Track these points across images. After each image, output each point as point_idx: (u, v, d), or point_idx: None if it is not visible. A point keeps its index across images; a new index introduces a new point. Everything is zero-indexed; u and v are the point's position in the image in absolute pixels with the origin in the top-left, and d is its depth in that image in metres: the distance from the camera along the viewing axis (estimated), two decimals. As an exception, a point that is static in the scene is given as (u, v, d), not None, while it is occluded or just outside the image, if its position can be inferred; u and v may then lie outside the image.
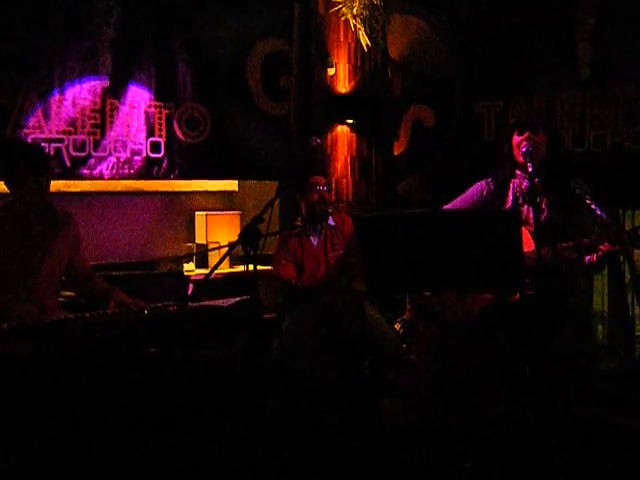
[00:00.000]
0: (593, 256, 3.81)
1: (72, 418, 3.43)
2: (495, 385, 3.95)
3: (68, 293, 4.40)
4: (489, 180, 4.27)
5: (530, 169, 3.86)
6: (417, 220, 3.41)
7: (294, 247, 5.09)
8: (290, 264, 5.07)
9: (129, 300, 4.03)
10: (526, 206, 4.02)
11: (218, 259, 3.88)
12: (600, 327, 5.68)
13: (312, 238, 5.11)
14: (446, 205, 4.39)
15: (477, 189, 4.30)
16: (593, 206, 3.71)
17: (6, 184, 4.00)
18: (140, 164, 6.05)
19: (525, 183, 4.11)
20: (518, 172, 4.15)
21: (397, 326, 5.68)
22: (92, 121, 5.80)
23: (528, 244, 3.70)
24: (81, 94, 5.74)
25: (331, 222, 5.14)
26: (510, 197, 4.15)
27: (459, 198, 4.35)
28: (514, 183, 4.16)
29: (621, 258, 4.95)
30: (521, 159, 4.04)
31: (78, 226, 4.30)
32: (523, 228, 3.78)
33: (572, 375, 4.01)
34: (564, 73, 5.69)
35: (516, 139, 4.10)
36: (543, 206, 4.04)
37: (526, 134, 4.04)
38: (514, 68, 5.94)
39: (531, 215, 3.86)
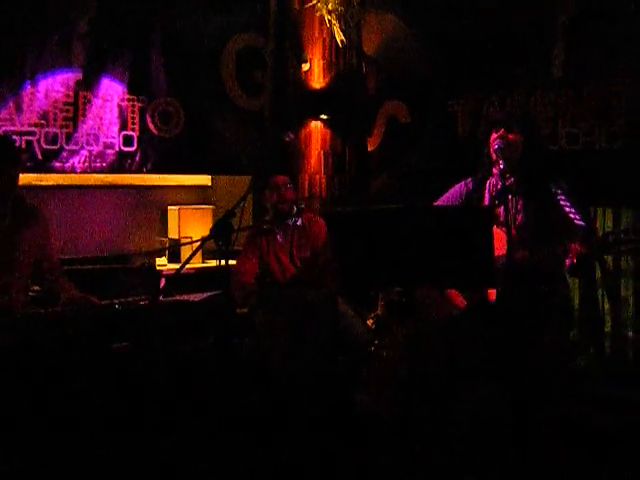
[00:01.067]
0: (573, 259, 3.78)
1: (43, 412, 3.41)
2: (468, 380, 3.96)
3: (36, 288, 4.36)
4: (468, 180, 4.23)
5: (501, 166, 3.85)
6: (389, 216, 3.40)
7: (261, 245, 5.06)
8: (253, 265, 5.03)
9: (79, 298, 4.00)
10: (502, 207, 3.96)
11: (190, 253, 3.86)
12: (570, 324, 5.72)
13: (279, 236, 5.09)
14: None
15: (456, 190, 4.26)
16: (567, 209, 3.70)
17: None
18: (112, 158, 6.03)
19: (499, 183, 4.07)
20: (495, 171, 4.10)
21: (369, 322, 5.69)
22: (64, 114, 5.77)
23: (503, 246, 3.68)
24: (54, 86, 5.71)
25: (299, 222, 5.11)
26: (487, 196, 4.13)
27: (441, 199, 4.31)
28: (490, 182, 4.14)
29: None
30: (494, 156, 4.01)
31: (47, 220, 4.26)
32: (498, 229, 3.77)
33: (550, 373, 4.01)
34: (539, 72, 5.72)
35: (492, 136, 4.06)
36: (519, 207, 4.01)
37: (501, 131, 4.02)
38: (489, 66, 5.97)
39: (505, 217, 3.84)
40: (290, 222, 5.08)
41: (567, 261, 3.78)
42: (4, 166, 3.93)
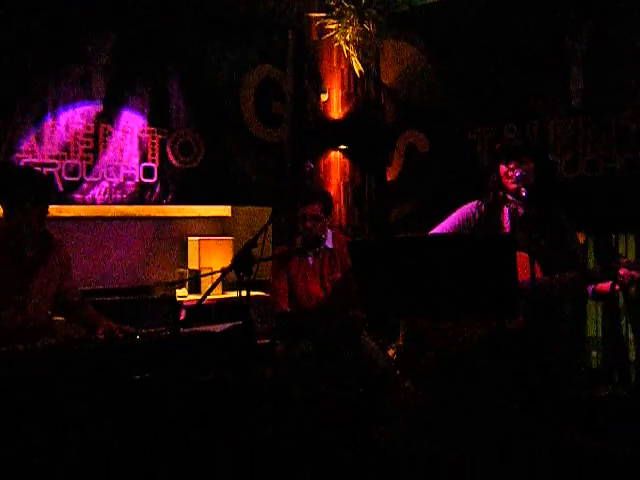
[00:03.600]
0: (601, 285, 3.83)
1: (62, 445, 3.39)
2: (492, 413, 3.91)
3: (60, 318, 4.36)
4: (479, 203, 4.25)
5: (524, 194, 3.87)
6: (411, 245, 3.39)
7: (292, 266, 5.03)
8: (286, 292, 5.02)
9: (116, 327, 3.98)
10: (522, 233, 3.98)
11: (211, 284, 3.85)
12: (594, 353, 5.67)
13: (310, 259, 5.06)
14: (434, 228, 4.36)
15: (466, 211, 4.27)
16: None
17: (4, 209, 3.94)
18: (133, 189, 6.04)
19: (520, 209, 4.10)
20: (511, 198, 4.13)
21: (390, 352, 5.65)
22: (85, 146, 5.80)
23: (523, 272, 3.67)
24: (74, 119, 5.74)
25: (329, 244, 5.08)
26: (506, 223, 4.13)
27: (447, 220, 4.31)
28: (509, 208, 4.14)
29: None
30: (512, 186, 4.04)
31: (68, 254, 4.27)
32: (518, 255, 3.76)
33: (563, 402, 3.97)
34: (557, 99, 5.71)
35: (502, 168, 4.11)
36: (538, 234, 4.02)
37: (512, 164, 4.05)
38: (507, 94, 5.97)
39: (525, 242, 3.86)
40: (319, 247, 5.04)
41: (590, 287, 3.83)
42: (36, 201, 3.91)
